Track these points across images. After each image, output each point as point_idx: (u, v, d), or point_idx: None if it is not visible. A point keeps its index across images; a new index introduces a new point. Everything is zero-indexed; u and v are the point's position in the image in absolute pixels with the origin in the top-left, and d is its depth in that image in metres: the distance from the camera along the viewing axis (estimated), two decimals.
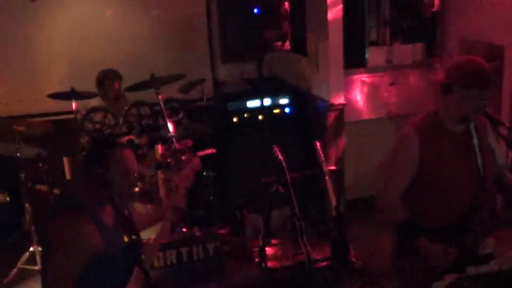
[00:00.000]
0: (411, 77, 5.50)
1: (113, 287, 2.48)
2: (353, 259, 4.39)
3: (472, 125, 2.66)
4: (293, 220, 4.11)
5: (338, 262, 4.35)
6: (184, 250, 4.14)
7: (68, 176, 4.58)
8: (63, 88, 4.72)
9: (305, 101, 5.38)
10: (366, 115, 5.38)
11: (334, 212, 4.31)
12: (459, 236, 2.64)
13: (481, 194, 2.67)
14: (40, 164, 4.45)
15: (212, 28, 5.96)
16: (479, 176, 2.66)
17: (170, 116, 4.58)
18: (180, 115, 4.82)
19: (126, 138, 3.21)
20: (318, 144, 4.41)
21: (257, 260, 4.39)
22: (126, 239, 2.41)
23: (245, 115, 5.22)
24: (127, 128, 4.59)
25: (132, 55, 5.55)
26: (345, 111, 5.05)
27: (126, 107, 4.64)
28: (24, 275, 4.37)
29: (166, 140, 4.47)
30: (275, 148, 4.06)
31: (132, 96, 4.81)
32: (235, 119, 5.20)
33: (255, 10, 5.34)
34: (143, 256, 2.33)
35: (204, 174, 5.06)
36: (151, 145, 4.61)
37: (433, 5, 5.56)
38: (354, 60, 5.33)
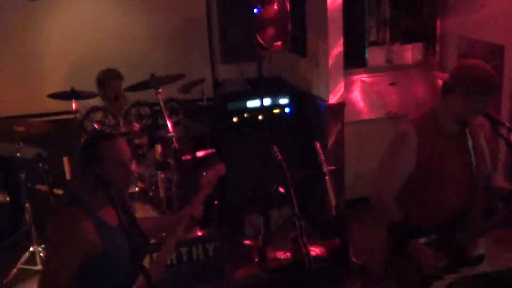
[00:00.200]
0: (411, 77, 5.50)
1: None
2: (353, 259, 4.39)
3: (467, 126, 2.67)
4: (293, 220, 4.11)
5: (338, 262, 4.35)
6: (184, 250, 4.14)
7: (68, 176, 4.59)
8: (63, 88, 4.72)
9: (305, 101, 5.38)
10: (366, 115, 5.38)
11: (334, 212, 4.31)
12: (451, 236, 2.65)
13: (474, 194, 2.68)
14: (40, 164, 4.46)
15: (212, 28, 5.96)
16: (473, 176, 2.67)
17: (170, 116, 4.58)
18: (180, 115, 4.82)
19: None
20: (318, 144, 4.41)
21: (257, 260, 4.39)
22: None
23: (245, 115, 5.22)
24: (127, 128, 4.59)
25: (132, 55, 5.55)
26: (345, 111, 5.05)
27: (126, 107, 4.64)
28: (24, 275, 4.37)
29: (166, 140, 4.46)
30: (275, 148, 4.06)
31: (132, 96, 4.81)
32: (235, 119, 5.20)
33: (255, 10, 5.34)
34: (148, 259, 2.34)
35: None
36: (151, 145, 4.61)
37: (433, 5, 5.57)
38: (354, 60, 5.33)
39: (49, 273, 2.34)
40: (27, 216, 4.49)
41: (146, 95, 4.69)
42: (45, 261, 2.40)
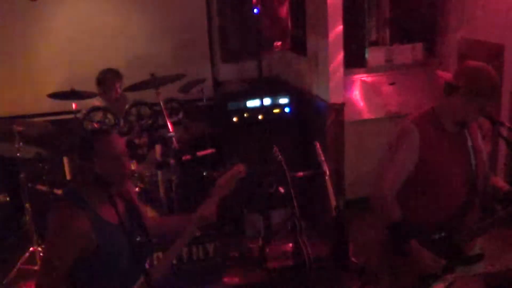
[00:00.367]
0: (411, 77, 5.50)
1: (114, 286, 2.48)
2: (353, 259, 4.39)
3: (466, 127, 2.68)
4: (293, 220, 4.12)
5: (338, 262, 4.35)
6: (184, 250, 4.14)
7: (68, 176, 4.59)
8: (63, 88, 4.72)
9: (305, 101, 5.38)
10: (366, 115, 5.38)
11: (334, 212, 4.31)
12: (449, 235, 2.65)
13: (472, 195, 2.68)
14: (40, 164, 4.45)
15: (212, 28, 5.96)
16: (472, 177, 2.67)
17: (170, 116, 4.58)
18: (180, 115, 4.82)
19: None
20: (318, 144, 4.41)
21: (257, 260, 4.39)
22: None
23: (245, 115, 5.22)
24: (127, 128, 4.59)
25: (132, 55, 5.56)
26: (345, 111, 5.05)
27: (126, 107, 4.63)
28: (24, 275, 4.37)
29: (166, 140, 4.46)
30: (275, 148, 4.06)
31: (132, 96, 4.80)
32: (235, 119, 5.20)
33: (255, 10, 5.34)
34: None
35: (204, 174, 5.05)
36: (151, 145, 4.61)
37: (433, 5, 5.58)
38: (354, 60, 5.33)
39: (44, 267, 2.40)
40: (27, 216, 4.49)
41: (146, 95, 4.69)
42: (42, 255, 2.40)
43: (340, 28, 4.84)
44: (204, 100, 5.21)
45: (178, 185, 4.53)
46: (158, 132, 4.59)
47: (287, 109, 5.30)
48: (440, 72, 2.77)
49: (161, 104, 4.48)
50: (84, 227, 2.35)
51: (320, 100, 5.12)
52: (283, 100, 5.30)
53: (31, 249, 4.44)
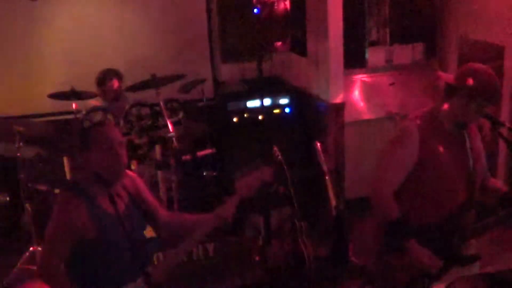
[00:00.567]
0: (411, 77, 5.50)
1: (112, 280, 2.48)
2: (353, 259, 4.39)
3: (465, 128, 2.68)
4: (293, 220, 4.12)
5: (338, 262, 4.35)
6: None
7: (68, 176, 4.58)
8: (63, 88, 4.72)
9: (305, 101, 5.38)
10: (366, 115, 5.38)
11: (334, 212, 4.32)
12: (446, 236, 2.66)
13: (469, 195, 2.68)
14: (40, 164, 4.45)
15: (212, 28, 5.96)
16: (470, 178, 2.67)
17: (170, 116, 4.57)
18: (180, 115, 4.82)
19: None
20: (318, 144, 4.41)
21: (257, 260, 4.39)
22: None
23: (245, 115, 5.22)
24: (127, 128, 4.59)
25: (132, 55, 5.55)
26: (345, 111, 5.05)
27: (126, 107, 4.63)
28: (24, 275, 4.36)
29: (166, 140, 4.46)
30: (275, 148, 4.06)
31: (132, 96, 4.81)
32: (235, 119, 5.20)
33: (255, 10, 5.35)
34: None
35: (204, 174, 5.06)
36: (151, 145, 4.60)
37: (433, 5, 5.58)
38: (354, 60, 5.33)
39: (44, 255, 2.48)
40: (27, 216, 4.49)
41: (146, 95, 4.69)
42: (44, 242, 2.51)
43: (340, 28, 4.84)
44: (204, 100, 5.21)
45: (178, 185, 4.53)
46: (158, 132, 4.59)
47: (287, 109, 5.30)
48: (440, 73, 2.77)
49: (161, 104, 4.47)
50: (82, 214, 2.40)
51: (320, 100, 5.12)
52: (283, 100, 5.30)
53: (31, 249, 4.44)
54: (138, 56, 5.57)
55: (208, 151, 4.85)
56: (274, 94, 5.29)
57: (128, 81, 4.75)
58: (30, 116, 5.17)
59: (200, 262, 4.19)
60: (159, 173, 4.54)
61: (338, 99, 4.99)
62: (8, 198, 4.89)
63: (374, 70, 5.45)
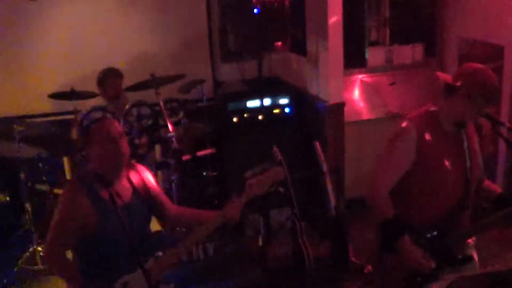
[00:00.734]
0: (411, 77, 5.50)
1: (111, 270, 2.55)
2: (353, 259, 4.39)
3: (464, 128, 2.68)
4: (293, 220, 4.12)
5: (338, 262, 4.35)
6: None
7: (68, 176, 4.59)
8: (63, 88, 4.72)
9: (305, 101, 5.38)
10: (366, 115, 5.38)
11: (334, 212, 4.32)
12: (441, 235, 2.67)
13: (466, 196, 2.69)
14: (40, 164, 4.46)
15: (212, 28, 5.96)
16: (466, 178, 2.68)
17: (170, 116, 4.58)
18: (180, 115, 4.82)
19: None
20: (318, 144, 4.41)
21: (257, 260, 4.39)
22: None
23: (245, 115, 5.21)
24: (127, 128, 4.59)
25: (132, 55, 5.55)
26: (345, 111, 5.05)
27: (126, 107, 4.63)
28: (24, 275, 4.37)
29: (166, 140, 4.46)
30: (275, 148, 4.06)
31: (132, 96, 4.81)
32: (235, 119, 5.20)
33: (255, 10, 5.34)
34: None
35: (204, 174, 5.06)
36: (151, 145, 4.61)
37: (433, 5, 5.58)
38: (354, 60, 5.33)
39: (49, 242, 2.56)
40: (27, 216, 4.49)
41: (146, 95, 4.69)
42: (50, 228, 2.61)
43: (340, 28, 4.84)
44: (204, 100, 5.21)
45: (178, 185, 4.53)
46: (158, 132, 4.60)
47: (287, 109, 5.30)
48: (439, 73, 2.78)
49: (161, 104, 4.48)
50: (85, 204, 2.52)
51: (320, 100, 5.12)
52: (283, 100, 5.30)
53: (31, 249, 4.45)
54: (138, 56, 5.58)
55: (208, 151, 4.85)
56: (274, 94, 5.29)
57: (128, 81, 4.75)
58: (30, 116, 5.17)
59: (200, 262, 4.20)
60: (159, 173, 4.54)
61: (338, 99, 4.98)
62: (8, 198, 4.90)
63: (374, 70, 5.45)
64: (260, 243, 4.49)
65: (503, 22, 4.73)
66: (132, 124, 4.58)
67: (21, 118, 4.93)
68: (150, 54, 5.65)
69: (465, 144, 2.68)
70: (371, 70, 5.44)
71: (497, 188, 2.87)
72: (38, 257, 4.41)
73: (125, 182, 2.66)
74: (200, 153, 4.74)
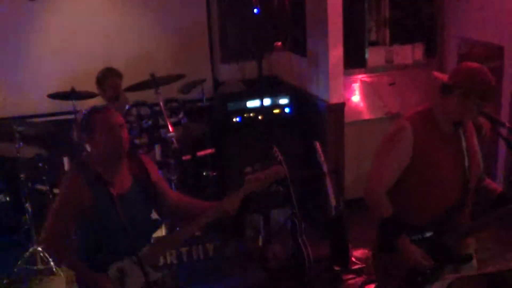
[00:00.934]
0: (411, 77, 5.51)
1: (107, 255, 2.61)
2: (353, 259, 4.39)
3: (461, 127, 2.68)
4: (293, 220, 4.12)
5: (338, 262, 4.35)
6: (184, 250, 4.14)
7: None
8: (63, 88, 4.72)
9: (305, 101, 5.38)
10: (366, 115, 5.38)
11: (334, 212, 4.32)
12: (439, 234, 2.66)
13: (464, 195, 2.69)
14: (40, 164, 4.46)
15: (212, 28, 5.96)
16: (465, 177, 2.68)
17: (170, 116, 4.58)
18: (180, 115, 4.82)
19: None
20: (318, 144, 4.41)
21: (257, 260, 4.39)
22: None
23: (245, 115, 5.22)
24: (127, 128, 4.58)
25: (132, 55, 5.55)
26: (345, 111, 5.05)
27: (126, 107, 4.63)
28: (24, 275, 4.37)
29: (166, 140, 4.46)
30: (275, 148, 4.06)
31: (132, 96, 4.80)
32: (235, 119, 5.20)
33: (255, 10, 5.34)
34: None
35: (204, 174, 5.06)
36: (151, 145, 4.61)
37: (433, 5, 5.58)
38: (354, 60, 5.33)
39: (47, 226, 2.63)
40: (27, 216, 4.49)
41: (146, 95, 4.69)
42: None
43: (340, 28, 4.84)
44: (204, 100, 5.21)
45: (178, 185, 4.53)
46: (158, 132, 4.59)
47: (287, 109, 5.30)
48: (436, 73, 2.78)
49: (161, 104, 4.48)
50: (81, 187, 2.59)
51: (320, 100, 5.12)
52: (283, 100, 5.30)
53: (31, 249, 4.44)
54: (138, 56, 5.58)
55: (208, 151, 4.85)
56: (274, 94, 5.29)
57: (128, 81, 4.75)
58: (30, 116, 5.17)
59: (200, 262, 4.20)
60: (159, 173, 4.53)
61: (338, 99, 4.99)
62: (8, 198, 4.90)
63: (374, 70, 5.45)
64: (260, 243, 4.49)
65: (503, 22, 4.73)
66: (132, 124, 4.58)
67: (21, 118, 4.94)
68: (150, 54, 5.64)
69: (464, 143, 2.68)
70: (371, 70, 5.44)
71: (497, 187, 2.87)
72: (38, 257, 4.41)
73: (125, 171, 2.72)
74: (200, 153, 4.75)
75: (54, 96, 4.73)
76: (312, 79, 5.32)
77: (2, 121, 4.72)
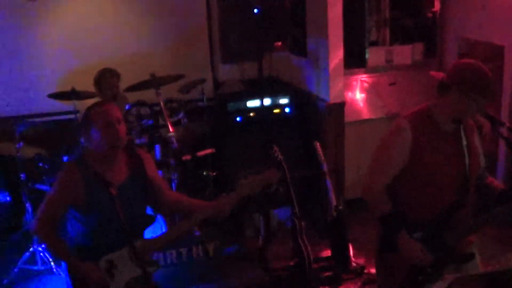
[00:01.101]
0: (411, 77, 5.50)
1: (100, 246, 2.65)
2: (353, 259, 4.39)
3: (461, 126, 2.67)
4: (293, 220, 4.12)
5: (338, 262, 4.35)
6: (184, 250, 4.14)
7: None
8: (63, 88, 4.72)
9: (305, 101, 5.38)
10: (366, 115, 5.38)
11: (334, 212, 4.32)
12: (440, 233, 2.66)
13: (464, 193, 2.69)
14: (40, 164, 4.46)
15: (212, 28, 5.96)
16: (465, 175, 2.68)
17: (170, 116, 4.58)
18: (180, 115, 4.82)
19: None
20: (318, 144, 4.41)
21: (257, 260, 4.39)
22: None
23: (245, 115, 5.22)
24: (127, 128, 4.58)
25: (132, 55, 5.56)
26: (345, 111, 5.05)
27: (124, 107, 4.63)
28: (24, 275, 4.37)
29: (166, 140, 4.46)
30: (275, 148, 4.06)
31: (132, 96, 4.80)
32: (235, 119, 5.20)
33: (255, 10, 5.34)
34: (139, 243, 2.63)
35: (204, 174, 5.06)
36: (151, 145, 4.60)
37: (433, 5, 5.58)
38: (354, 60, 5.33)
39: (40, 212, 2.73)
40: (27, 216, 4.49)
41: (146, 95, 4.69)
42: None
43: (340, 28, 4.85)
44: (204, 100, 5.21)
45: (178, 185, 4.53)
46: (158, 132, 4.60)
47: (287, 109, 5.30)
48: (432, 72, 2.78)
49: (161, 104, 4.48)
50: (78, 183, 2.66)
51: (320, 100, 5.12)
52: (283, 100, 5.30)
53: (31, 249, 4.44)
54: (138, 56, 5.58)
55: (208, 151, 4.85)
56: (274, 94, 5.29)
57: (128, 81, 4.75)
58: (30, 116, 5.17)
59: (200, 262, 4.19)
60: (159, 173, 4.53)
61: (338, 99, 4.99)
62: (8, 198, 4.90)
63: (374, 70, 5.45)
64: (260, 243, 4.48)
65: (503, 22, 4.73)
66: (132, 124, 4.58)
67: (21, 118, 4.94)
68: (150, 54, 5.65)
69: (464, 141, 2.67)
70: (371, 70, 5.44)
71: (499, 185, 2.85)
72: (38, 257, 4.41)
73: (122, 165, 2.77)
74: (200, 153, 4.74)
75: (54, 96, 4.73)
76: (312, 79, 5.32)
77: (2, 120, 4.72)
